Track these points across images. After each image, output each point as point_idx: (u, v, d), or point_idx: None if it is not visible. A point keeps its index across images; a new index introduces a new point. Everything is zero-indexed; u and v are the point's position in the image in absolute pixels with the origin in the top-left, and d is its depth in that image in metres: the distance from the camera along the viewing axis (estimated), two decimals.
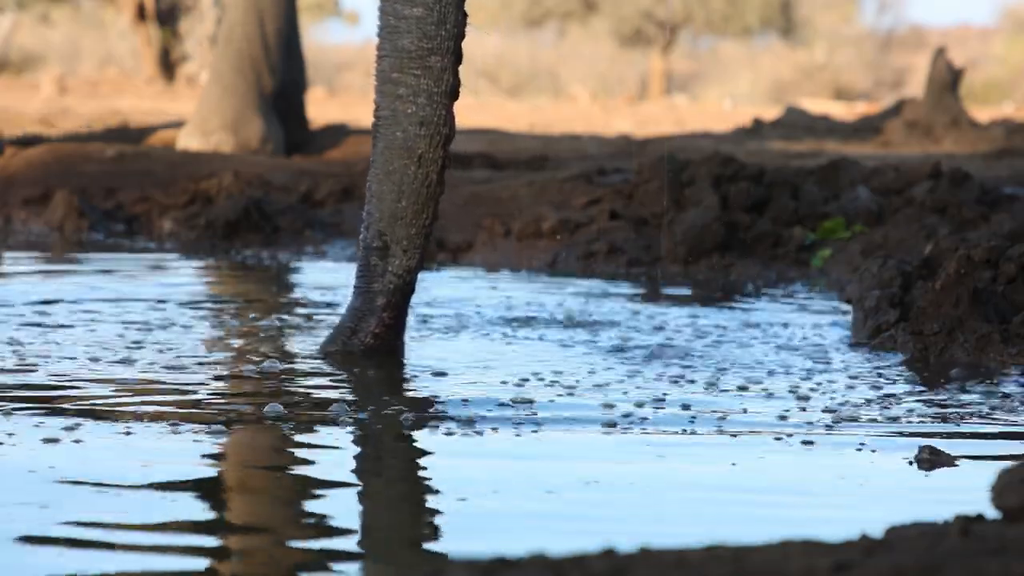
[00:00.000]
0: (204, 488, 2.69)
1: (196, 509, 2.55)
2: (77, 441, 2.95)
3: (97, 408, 3.25)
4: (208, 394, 3.48)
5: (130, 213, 7.81)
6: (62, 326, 4.38)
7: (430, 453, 2.99)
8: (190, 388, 3.51)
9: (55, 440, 2.94)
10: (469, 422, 3.19)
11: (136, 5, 21.60)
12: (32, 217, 7.84)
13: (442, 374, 3.75)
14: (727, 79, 31.84)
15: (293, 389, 3.55)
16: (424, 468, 2.91)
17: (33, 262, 6.38)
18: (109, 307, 4.83)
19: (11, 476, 2.71)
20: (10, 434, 3.00)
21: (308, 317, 4.80)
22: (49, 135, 10.21)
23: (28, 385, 3.49)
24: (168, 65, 21.95)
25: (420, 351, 4.09)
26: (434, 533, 2.46)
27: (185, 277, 6.19)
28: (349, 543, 2.39)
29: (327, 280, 6.01)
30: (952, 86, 12.67)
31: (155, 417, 3.16)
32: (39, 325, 4.39)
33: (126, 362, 3.81)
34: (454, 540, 2.40)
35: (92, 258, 6.52)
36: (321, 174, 8.37)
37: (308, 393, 3.50)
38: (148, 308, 4.84)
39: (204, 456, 2.91)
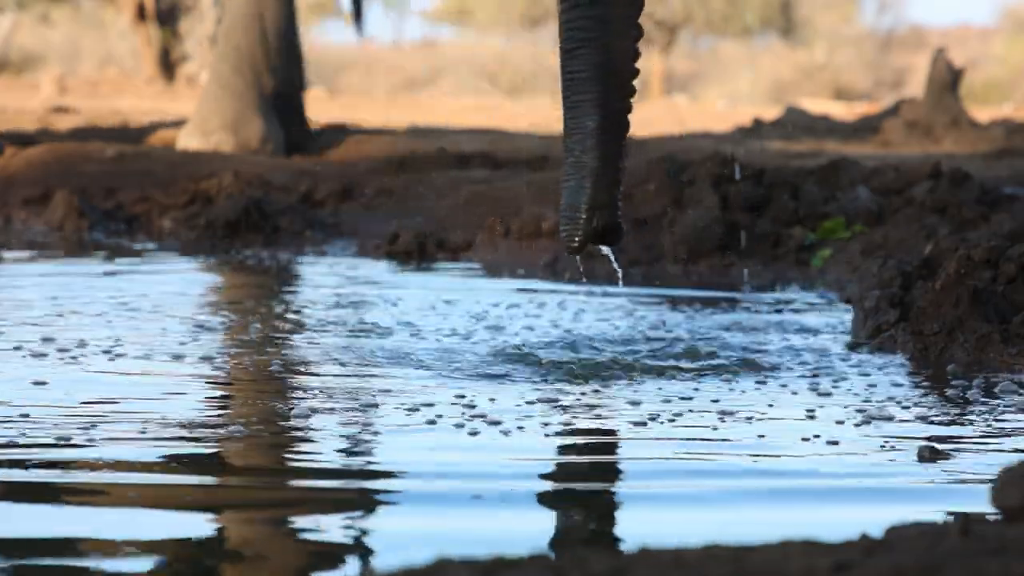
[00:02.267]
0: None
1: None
2: (90, 443, 2.95)
3: (100, 422, 3.25)
4: (214, 403, 3.48)
5: (130, 213, 7.80)
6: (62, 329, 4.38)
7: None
8: (196, 397, 3.51)
9: (68, 439, 2.95)
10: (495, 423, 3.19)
11: (136, 5, 21.60)
12: (32, 217, 7.84)
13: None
14: (727, 79, 31.84)
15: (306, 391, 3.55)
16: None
17: (33, 262, 6.39)
18: (109, 307, 4.83)
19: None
20: (23, 433, 3.00)
21: (307, 319, 4.80)
22: (27, 131, 10.20)
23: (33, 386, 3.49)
24: (168, 65, 21.95)
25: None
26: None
27: (184, 277, 6.19)
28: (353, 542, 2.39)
29: (328, 279, 6.01)
30: (952, 86, 12.67)
31: (164, 424, 3.17)
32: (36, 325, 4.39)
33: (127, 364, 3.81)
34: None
35: (91, 258, 6.52)
36: (321, 174, 8.37)
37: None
38: (150, 309, 4.84)
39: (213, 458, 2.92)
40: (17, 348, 3.95)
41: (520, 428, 3.15)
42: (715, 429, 3.20)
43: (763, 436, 3.13)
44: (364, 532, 2.42)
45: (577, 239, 3.66)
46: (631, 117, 3.80)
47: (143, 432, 3.02)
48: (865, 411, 3.38)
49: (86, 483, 2.65)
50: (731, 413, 3.34)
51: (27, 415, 3.14)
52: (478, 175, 8.25)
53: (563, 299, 5.35)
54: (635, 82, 3.80)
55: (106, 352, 3.94)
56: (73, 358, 3.84)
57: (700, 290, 5.82)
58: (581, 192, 3.68)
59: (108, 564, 2.20)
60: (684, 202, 6.52)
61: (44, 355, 3.87)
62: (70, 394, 3.38)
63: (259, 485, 2.73)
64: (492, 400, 3.42)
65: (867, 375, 3.88)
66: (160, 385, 3.54)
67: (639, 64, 3.80)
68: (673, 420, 3.28)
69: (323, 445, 3.02)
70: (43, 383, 3.50)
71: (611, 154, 3.74)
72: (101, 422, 3.08)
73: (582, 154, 3.73)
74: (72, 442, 2.91)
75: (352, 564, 2.27)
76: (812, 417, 3.33)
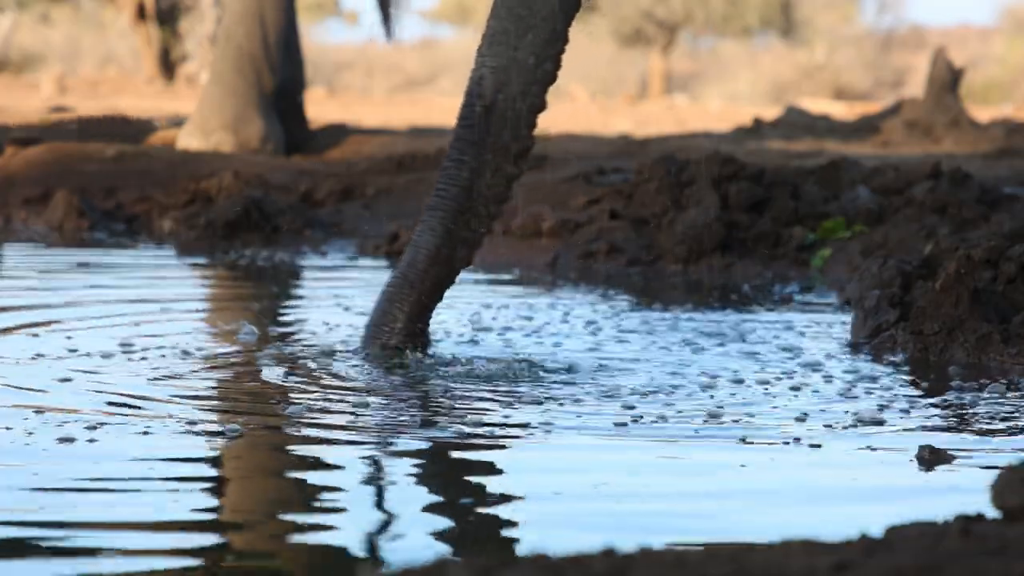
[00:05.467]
0: (210, 488, 2.69)
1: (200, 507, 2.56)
2: (92, 441, 2.95)
3: (111, 409, 3.25)
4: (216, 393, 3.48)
5: (130, 213, 7.81)
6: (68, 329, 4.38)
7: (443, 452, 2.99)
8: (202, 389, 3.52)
9: (71, 440, 2.95)
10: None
11: (136, 5, 21.60)
12: (32, 217, 7.84)
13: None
14: (727, 79, 31.84)
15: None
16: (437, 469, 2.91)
17: (35, 262, 6.38)
18: (111, 308, 4.84)
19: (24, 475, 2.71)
20: (29, 433, 3.01)
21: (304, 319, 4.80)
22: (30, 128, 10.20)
23: (44, 385, 3.49)
24: (168, 65, 21.96)
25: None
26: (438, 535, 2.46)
27: (185, 277, 6.19)
28: (351, 543, 2.39)
29: (328, 280, 6.01)
30: (952, 86, 12.66)
31: (171, 416, 3.17)
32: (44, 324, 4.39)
33: (132, 362, 3.82)
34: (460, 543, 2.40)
35: (93, 258, 6.52)
36: (321, 174, 8.37)
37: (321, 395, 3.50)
38: (151, 310, 4.84)
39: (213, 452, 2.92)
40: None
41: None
42: (697, 432, 3.19)
43: (745, 439, 3.12)
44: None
45: (380, 350, 3.78)
46: (476, 252, 3.86)
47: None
48: (864, 411, 3.38)
49: None
50: (716, 416, 3.33)
51: None
52: None
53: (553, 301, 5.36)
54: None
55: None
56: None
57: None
58: (391, 311, 3.78)
59: None
60: (684, 202, 6.52)
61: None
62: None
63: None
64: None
65: (866, 375, 3.87)
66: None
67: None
68: (656, 421, 3.27)
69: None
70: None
71: (436, 280, 3.81)
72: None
73: (409, 268, 3.80)
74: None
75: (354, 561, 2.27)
76: (807, 418, 3.33)
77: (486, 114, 3.80)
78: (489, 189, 3.83)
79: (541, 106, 3.87)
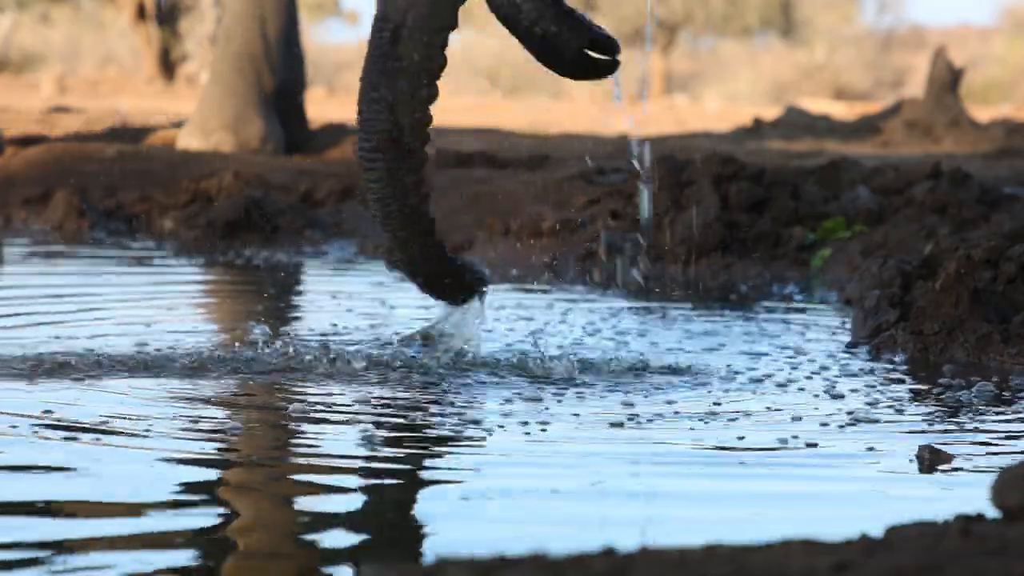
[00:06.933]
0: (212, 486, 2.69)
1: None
2: (96, 440, 2.96)
3: (113, 409, 3.25)
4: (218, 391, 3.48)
5: (130, 213, 7.81)
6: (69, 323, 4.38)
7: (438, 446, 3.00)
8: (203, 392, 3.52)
9: (75, 439, 2.96)
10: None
11: (136, 5, 21.61)
12: (32, 217, 7.84)
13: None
14: (727, 79, 31.84)
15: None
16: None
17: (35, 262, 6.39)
18: (112, 306, 4.84)
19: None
20: (34, 432, 3.01)
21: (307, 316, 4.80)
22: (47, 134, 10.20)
23: (42, 384, 3.50)
24: (168, 65, 21.96)
25: None
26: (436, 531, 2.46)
27: (186, 277, 6.19)
28: (351, 542, 2.39)
29: (327, 277, 6.01)
30: (952, 86, 12.67)
31: (172, 419, 3.17)
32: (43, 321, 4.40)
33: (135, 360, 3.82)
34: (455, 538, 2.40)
35: (92, 258, 6.52)
36: (321, 174, 8.37)
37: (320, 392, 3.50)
38: (149, 308, 4.84)
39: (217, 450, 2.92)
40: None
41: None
42: (692, 431, 3.19)
43: (743, 437, 3.12)
44: None
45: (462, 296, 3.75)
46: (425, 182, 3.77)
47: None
48: (864, 411, 3.38)
49: None
50: (715, 415, 3.33)
51: None
52: (478, 175, 8.25)
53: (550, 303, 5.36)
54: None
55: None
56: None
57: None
58: (423, 267, 3.72)
59: None
60: (684, 202, 6.52)
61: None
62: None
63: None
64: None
65: (866, 375, 3.87)
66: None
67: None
68: (653, 420, 3.27)
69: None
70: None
71: (424, 232, 3.73)
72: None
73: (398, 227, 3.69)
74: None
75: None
76: (808, 417, 3.33)
77: (394, 39, 3.62)
78: (412, 118, 3.72)
79: (452, 23, 3.65)
